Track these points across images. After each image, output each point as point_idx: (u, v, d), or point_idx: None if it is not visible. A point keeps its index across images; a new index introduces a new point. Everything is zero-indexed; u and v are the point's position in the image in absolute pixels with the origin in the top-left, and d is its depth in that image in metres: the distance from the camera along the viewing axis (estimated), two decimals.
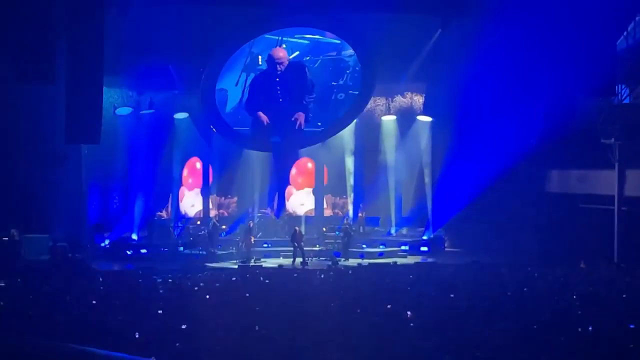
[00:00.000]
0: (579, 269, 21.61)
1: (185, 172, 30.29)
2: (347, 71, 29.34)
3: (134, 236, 28.10)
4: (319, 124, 29.88)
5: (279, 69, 28.48)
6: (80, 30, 20.58)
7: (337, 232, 28.88)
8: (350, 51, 28.93)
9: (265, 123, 29.06)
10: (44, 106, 25.19)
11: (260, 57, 28.63)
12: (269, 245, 28.60)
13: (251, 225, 28.16)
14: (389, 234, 30.13)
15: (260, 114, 29.03)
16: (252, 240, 27.52)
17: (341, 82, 29.48)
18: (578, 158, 26.49)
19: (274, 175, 30.57)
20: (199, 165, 30.50)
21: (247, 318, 12.90)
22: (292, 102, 29.18)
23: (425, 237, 29.44)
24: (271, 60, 28.46)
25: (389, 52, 27.80)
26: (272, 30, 28.54)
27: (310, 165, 31.23)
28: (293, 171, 31.31)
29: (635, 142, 24.61)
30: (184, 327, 11.87)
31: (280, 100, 29.01)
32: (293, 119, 29.08)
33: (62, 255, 25.19)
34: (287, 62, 28.52)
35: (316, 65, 29.19)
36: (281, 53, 28.52)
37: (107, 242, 27.68)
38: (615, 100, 25.39)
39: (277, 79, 28.68)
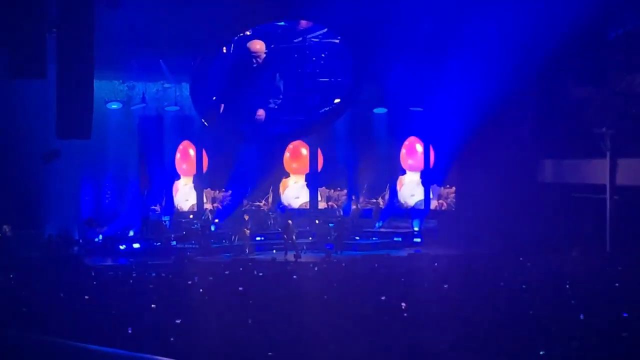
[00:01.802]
0: (572, 258, 21.65)
1: (177, 155, 30.16)
2: (313, 58, 29.18)
3: (131, 232, 28.07)
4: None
5: (255, 62, 28.30)
6: (70, 24, 20.44)
7: (330, 225, 28.89)
8: (317, 35, 28.76)
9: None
10: (34, 101, 25.12)
11: (224, 47, 28.50)
12: (263, 238, 28.57)
13: (247, 218, 28.12)
14: (376, 227, 30.09)
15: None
16: (247, 233, 27.48)
17: (309, 70, 29.32)
18: (570, 147, 26.52)
19: (265, 168, 30.57)
20: (192, 152, 30.35)
21: (240, 311, 12.90)
22: (260, 99, 29.10)
23: (417, 229, 29.49)
24: (247, 52, 28.26)
25: (380, 43, 27.79)
26: (263, 23, 28.43)
27: (304, 151, 31.18)
28: (287, 155, 31.19)
29: (627, 131, 24.66)
30: (178, 321, 11.85)
31: (252, 93, 28.94)
32: (256, 116, 29.04)
33: (55, 251, 25.15)
34: (264, 56, 28.38)
35: (282, 53, 29.00)
36: (258, 46, 28.35)
37: (100, 237, 27.64)
38: (607, 89, 25.42)
39: (249, 72, 28.53)
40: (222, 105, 28.82)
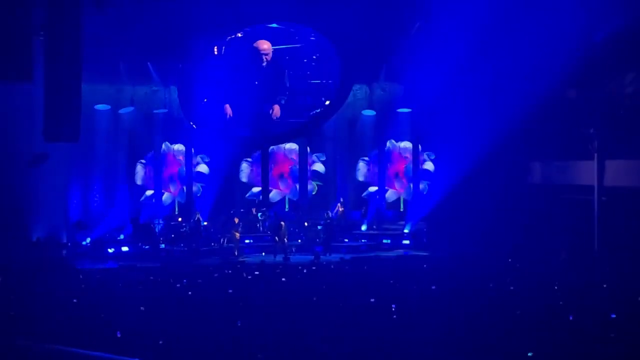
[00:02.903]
0: (560, 260, 21.70)
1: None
2: (304, 60, 29.13)
3: (121, 236, 28.00)
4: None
5: (264, 59, 28.42)
6: (57, 27, 20.38)
7: (319, 227, 28.88)
8: (311, 39, 28.80)
9: (228, 116, 28.93)
10: (22, 104, 25.05)
11: (215, 47, 28.44)
12: (251, 241, 28.52)
13: (237, 221, 28.09)
14: (361, 229, 30.06)
15: (227, 107, 28.91)
16: (237, 235, 27.46)
17: (301, 72, 29.31)
18: (559, 149, 26.61)
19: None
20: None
21: (229, 314, 12.87)
22: (268, 97, 29.07)
23: (406, 231, 29.53)
24: (256, 52, 28.36)
25: (368, 44, 27.85)
26: (250, 25, 28.44)
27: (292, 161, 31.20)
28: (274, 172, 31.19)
29: (614, 132, 24.75)
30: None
31: (257, 93, 28.90)
32: (270, 110, 28.98)
33: (43, 254, 25.04)
34: (271, 55, 28.48)
35: (276, 55, 29.02)
36: (266, 45, 28.45)
37: (88, 240, 27.56)
38: (595, 90, 25.50)
39: (258, 72, 28.60)
40: (230, 110, 28.80)
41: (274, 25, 28.69)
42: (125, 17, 24.93)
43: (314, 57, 29.05)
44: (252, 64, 28.54)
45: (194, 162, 30.18)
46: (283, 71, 28.82)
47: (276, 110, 29.01)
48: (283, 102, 29.11)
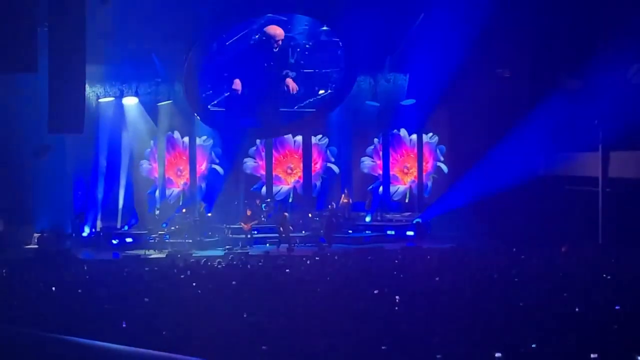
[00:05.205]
0: (563, 251, 21.65)
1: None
2: (297, 49, 29.00)
3: (126, 227, 28.07)
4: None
5: (275, 46, 28.39)
6: (61, 18, 20.40)
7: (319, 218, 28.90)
8: (323, 29, 28.75)
9: (239, 92, 28.85)
10: (25, 96, 25.07)
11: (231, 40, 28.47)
12: (255, 232, 28.55)
13: (249, 213, 28.08)
14: (365, 220, 30.07)
15: (237, 81, 28.82)
16: (248, 227, 27.47)
17: (292, 61, 29.19)
18: (563, 140, 26.57)
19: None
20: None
21: (233, 305, 12.90)
22: (276, 80, 29.02)
23: (415, 222, 29.58)
24: (268, 38, 28.28)
25: (372, 35, 27.83)
26: (256, 16, 28.40)
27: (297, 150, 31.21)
28: (280, 157, 31.17)
29: (619, 123, 24.70)
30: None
31: (265, 79, 28.87)
32: (285, 85, 28.89)
33: (48, 245, 25.11)
34: (281, 42, 28.49)
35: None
36: (279, 31, 28.43)
37: (87, 230, 27.64)
38: (599, 80, 25.45)
39: (267, 58, 28.57)
40: (239, 85, 28.55)
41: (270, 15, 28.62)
42: (129, 8, 24.92)
43: (307, 45, 28.92)
44: (262, 51, 28.42)
45: (209, 157, 30.21)
46: (287, 50, 28.73)
47: (291, 84, 28.88)
48: (292, 75, 28.94)
